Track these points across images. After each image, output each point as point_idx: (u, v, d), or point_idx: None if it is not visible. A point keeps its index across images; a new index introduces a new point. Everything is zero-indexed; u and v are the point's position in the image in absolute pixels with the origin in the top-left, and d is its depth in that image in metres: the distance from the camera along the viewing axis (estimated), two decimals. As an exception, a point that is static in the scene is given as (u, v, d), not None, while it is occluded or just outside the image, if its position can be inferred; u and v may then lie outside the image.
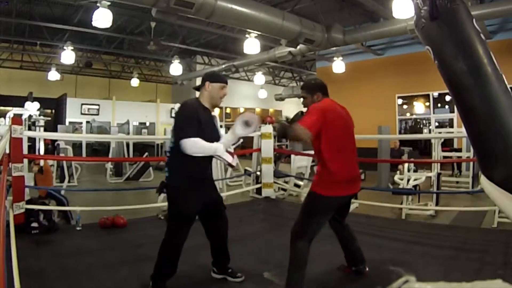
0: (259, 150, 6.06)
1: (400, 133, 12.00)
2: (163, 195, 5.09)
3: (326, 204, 2.42)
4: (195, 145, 2.36)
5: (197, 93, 2.67)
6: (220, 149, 2.45)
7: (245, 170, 7.72)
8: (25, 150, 4.21)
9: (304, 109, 2.64)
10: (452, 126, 10.74)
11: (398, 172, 6.59)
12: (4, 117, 8.46)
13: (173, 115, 16.42)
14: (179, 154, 2.42)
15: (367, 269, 2.76)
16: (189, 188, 2.46)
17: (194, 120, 2.42)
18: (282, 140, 14.22)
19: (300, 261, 2.35)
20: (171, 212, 2.55)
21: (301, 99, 2.67)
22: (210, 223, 2.67)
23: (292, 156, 7.15)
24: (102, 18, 6.69)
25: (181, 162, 2.46)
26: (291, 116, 2.74)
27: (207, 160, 2.59)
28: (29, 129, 8.45)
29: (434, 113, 11.59)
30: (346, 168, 2.46)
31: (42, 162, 5.05)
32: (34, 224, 3.80)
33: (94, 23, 6.85)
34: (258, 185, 6.10)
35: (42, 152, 7.38)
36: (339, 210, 2.60)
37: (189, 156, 2.39)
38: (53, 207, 4.35)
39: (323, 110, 2.40)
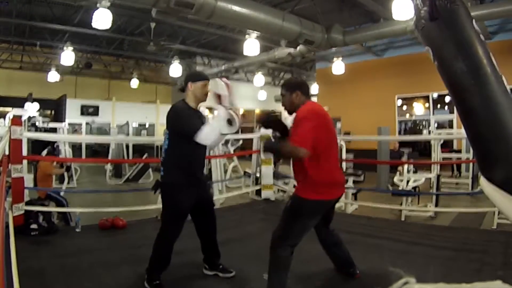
0: (258, 151, 6.05)
1: (399, 134, 12.01)
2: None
3: (311, 208, 2.32)
4: (207, 134, 2.43)
5: None
6: (219, 119, 2.49)
7: (245, 172, 7.71)
8: (24, 151, 4.21)
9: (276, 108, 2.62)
10: (451, 127, 10.75)
11: (397, 173, 6.58)
12: (4, 118, 8.47)
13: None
14: (175, 154, 2.56)
15: (357, 272, 2.70)
16: (184, 184, 2.55)
17: (191, 116, 2.53)
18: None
19: (281, 266, 2.29)
20: (166, 208, 2.65)
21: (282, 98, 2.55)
22: (200, 220, 2.76)
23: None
24: (102, 19, 6.68)
25: (177, 161, 2.57)
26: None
27: (202, 159, 2.73)
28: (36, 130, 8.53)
29: (433, 114, 11.59)
30: (331, 172, 2.39)
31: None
32: (34, 226, 3.79)
33: (94, 24, 6.83)
34: (258, 187, 6.10)
35: (68, 155, 7.68)
36: (324, 216, 2.50)
37: (184, 155, 2.54)
38: (52, 209, 4.34)
39: (313, 117, 2.30)
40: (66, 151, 7.89)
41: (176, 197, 2.55)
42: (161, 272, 2.58)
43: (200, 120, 2.59)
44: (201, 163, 2.76)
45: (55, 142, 7.79)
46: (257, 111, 20.83)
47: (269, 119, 2.59)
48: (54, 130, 9.60)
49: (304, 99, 2.44)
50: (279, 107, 2.86)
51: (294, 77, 2.85)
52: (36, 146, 7.67)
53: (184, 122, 2.51)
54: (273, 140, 2.31)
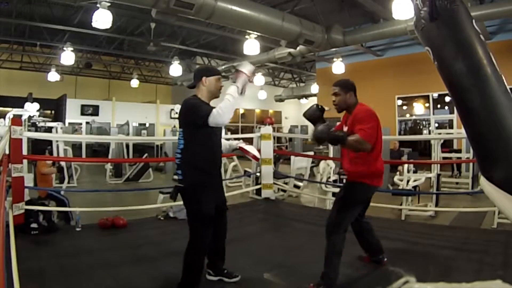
0: (258, 151, 6.05)
1: (399, 134, 11.99)
2: (162, 196, 5.10)
3: (364, 191, 2.67)
4: (221, 112, 2.33)
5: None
6: (234, 90, 2.45)
7: (245, 171, 7.71)
8: (24, 151, 4.21)
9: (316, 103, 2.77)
10: (451, 127, 10.73)
11: (397, 173, 6.58)
12: (4, 118, 8.48)
13: (173, 116, 16.56)
14: (192, 153, 2.44)
15: (385, 259, 2.93)
16: (206, 184, 2.45)
17: (203, 105, 2.46)
18: (282, 141, 14.15)
19: (336, 251, 2.53)
20: (193, 212, 2.47)
21: (333, 96, 2.74)
22: (214, 222, 2.63)
23: (292, 157, 7.15)
24: (102, 19, 6.67)
25: (195, 160, 2.44)
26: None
27: (219, 157, 2.65)
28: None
29: (433, 114, 11.58)
30: (381, 165, 2.72)
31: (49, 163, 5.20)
32: (34, 225, 3.80)
33: (94, 24, 6.83)
34: (258, 186, 6.10)
35: (68, 154, 7.65)
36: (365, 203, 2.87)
37: (201, 153, 2.44)
38: (52, 208, 4.34)
39: (375, 118, 2.58)
40: (61, 150, 7.78)
41: (200, 199, 2.40)
42: (197, 286, 2.42)
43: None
44: (218, 161, 2.66)
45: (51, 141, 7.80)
46: (257, 111, 20.83)
47: (316, 112, 2.65)
48: (50, 129, 9.56)
49: (356, 100, 2.72)
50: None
51: (347, 79, 2.99)
52: (37, 146, 7.67)
53: (197, 110, 2.40)
54: (322, 128, 2.39)
